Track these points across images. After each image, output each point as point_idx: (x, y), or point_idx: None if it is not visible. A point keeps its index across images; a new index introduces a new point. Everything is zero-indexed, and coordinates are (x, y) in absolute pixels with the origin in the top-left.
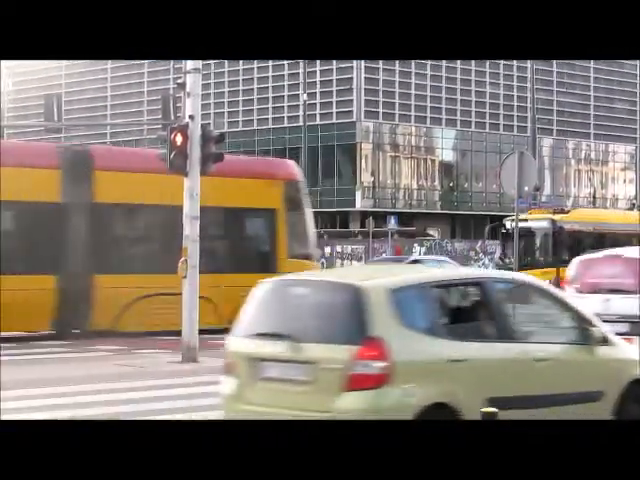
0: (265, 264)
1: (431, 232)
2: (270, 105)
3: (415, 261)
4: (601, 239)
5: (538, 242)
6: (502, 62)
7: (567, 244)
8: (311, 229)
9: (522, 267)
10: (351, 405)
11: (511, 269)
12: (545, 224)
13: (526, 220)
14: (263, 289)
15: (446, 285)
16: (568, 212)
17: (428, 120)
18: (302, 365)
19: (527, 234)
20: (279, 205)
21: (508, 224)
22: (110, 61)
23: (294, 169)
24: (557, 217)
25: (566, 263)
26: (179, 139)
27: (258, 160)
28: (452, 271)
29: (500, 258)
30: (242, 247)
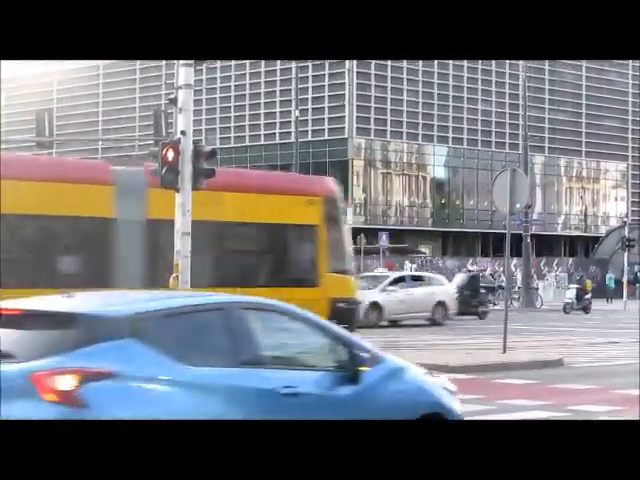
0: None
1: (423, 249)
2: (262, 121)
3: (400, 278)
4: None
5: None
6: (494, 79)
7: None
8: (348, 245)
9: None
10: None
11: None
12: None
13: None
14: None
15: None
16: None
17: (420, 137)
18: None
19: None
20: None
21: None
22: (102, 76)
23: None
24: None
25: None
26: (171, 155)
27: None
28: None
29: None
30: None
